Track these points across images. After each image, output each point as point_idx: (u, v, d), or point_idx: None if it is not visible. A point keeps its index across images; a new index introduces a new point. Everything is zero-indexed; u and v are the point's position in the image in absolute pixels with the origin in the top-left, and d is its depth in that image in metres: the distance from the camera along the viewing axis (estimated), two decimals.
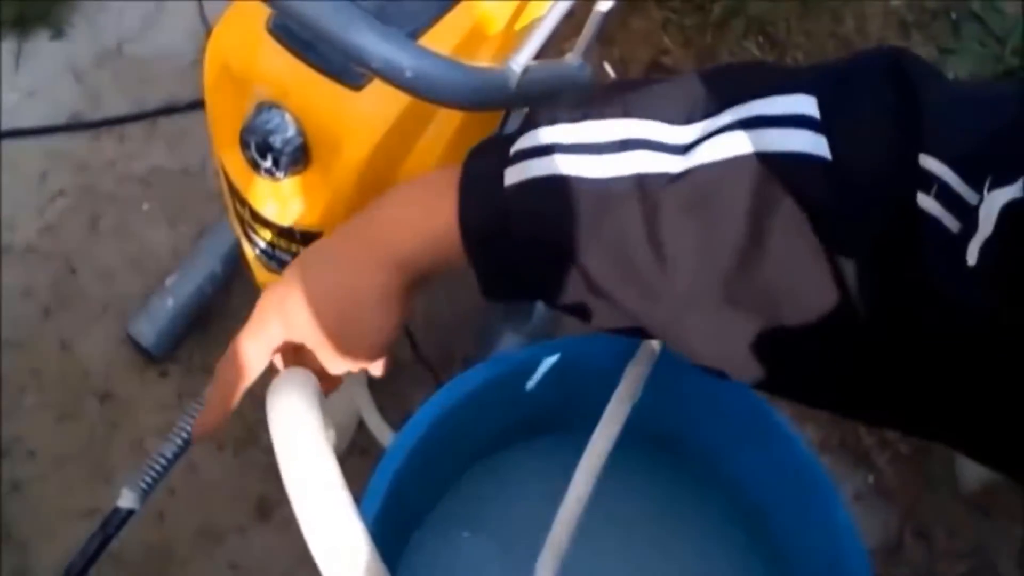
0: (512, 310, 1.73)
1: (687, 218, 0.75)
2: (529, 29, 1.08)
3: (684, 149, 0.77)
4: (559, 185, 0.80)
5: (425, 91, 0.93)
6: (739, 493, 1.28)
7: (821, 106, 0.72)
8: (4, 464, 1.98)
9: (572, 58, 1.16)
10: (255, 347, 1.01)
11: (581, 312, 0.87)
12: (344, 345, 0.99)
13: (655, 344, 1.09)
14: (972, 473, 2.00)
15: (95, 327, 2.10)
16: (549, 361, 1.19)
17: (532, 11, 1.24)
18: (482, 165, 0.88)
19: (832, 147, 0.70)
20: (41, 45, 2.36)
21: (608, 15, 1.17)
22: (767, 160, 0.72)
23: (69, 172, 2.24)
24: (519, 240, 0.84)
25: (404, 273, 0.94)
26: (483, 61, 1.17)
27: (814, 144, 0.71)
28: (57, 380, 2.06)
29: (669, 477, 1.31)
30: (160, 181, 2.23)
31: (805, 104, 0.73)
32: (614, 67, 2.35)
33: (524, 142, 0.85)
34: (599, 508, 1.25)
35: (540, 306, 1.82)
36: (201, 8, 2.40)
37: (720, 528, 1.30)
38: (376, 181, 1.17)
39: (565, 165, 0.81)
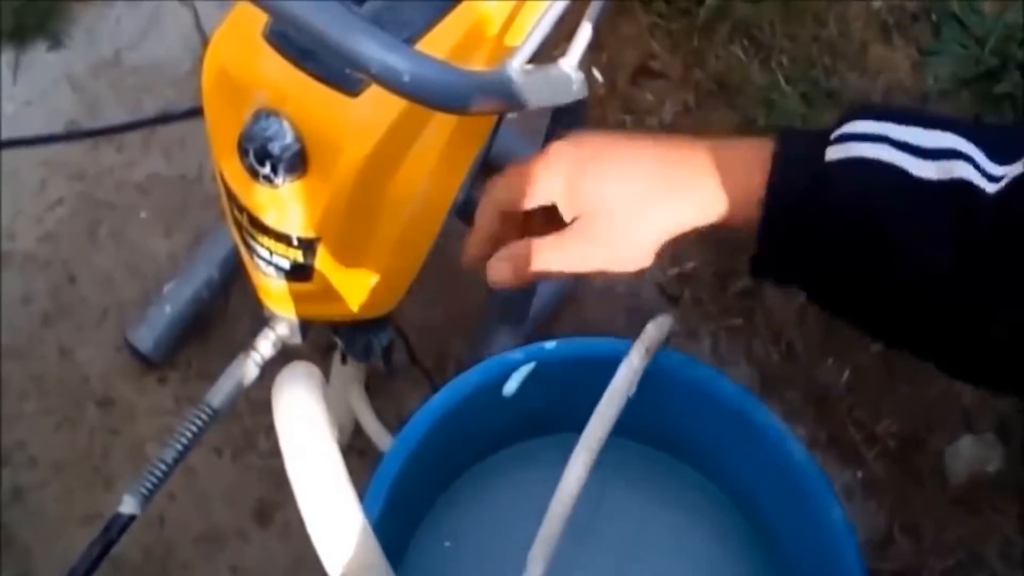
0: (508, 312, 1.72)
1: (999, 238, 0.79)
2: (524, 34, 1.07)
3: (998, 179, 0.80)
4: (884, 169, 0.84)
5: (423, 95, 0.92)
6: (734, 490, 1.28)
7: None
8: (5, 470, 1.97)
9: (566, 63, 1.15)
10: (531, 185, 1.03)
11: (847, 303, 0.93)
12: (608, 239, 0.99)
13: (649, 342, 1.09)
14: (960, 468, 2.00)
15: (94, 334, 2.09)
16: (546, 362, 1.18)
17: (526, 16, 1.23)
18: (800, 142, 0.92)
19: None
20: (38, 55, 2.35)
21: (598, 20, 1.16)
22: None
23: (67, 180, 2.22)
24: (832, 209, 0.87)
25: (688, 223, 0.97)
26: (479, 66, 1.16)
27: None
28: (57, 387, 2.05)
29: (662, 476, 1.31)
30: (158, 189, 2.22)
31: None
32: (602, 71, 2.34)
33: (849, 128, 0.88)
34: (591, 506, 1.24)
35: (536, 307, 1.81)
36: (197, 18, 2.39)
37: (716, 525, 1.29)
38: (373, 186, 1.17)
39: (892, 156, 0.84)
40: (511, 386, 1.18)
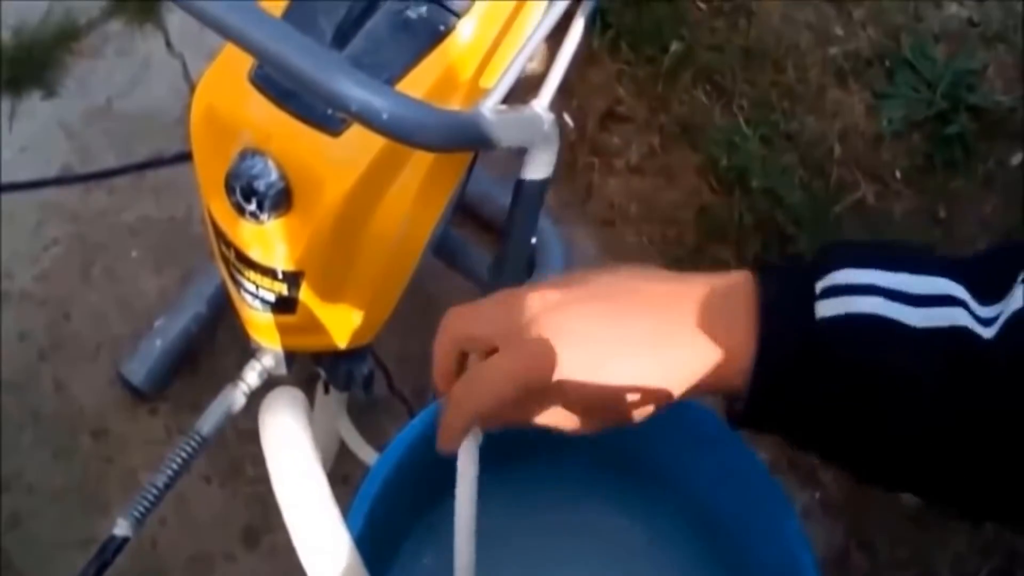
0: None
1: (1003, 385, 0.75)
2: (497, 76, 1.08)
3: (991, 322, 0.76)
4: (880, 325, 0.78)
5: (401, 133, 0.93)
6: (695, 506, 1.28)
7: None
8: (4, 498, 1.97)
9: (536, 104, 1.16)
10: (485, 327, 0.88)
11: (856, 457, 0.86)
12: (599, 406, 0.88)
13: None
14: None
15: (88, 368, 2.09)
16: None
17: (499, 60, 1.24)
18: (781, 295, 0.83)
19: None
20: (33, 104, 2.35)
21: (567, 66, 1.17)
22: None
23: (62, 222, 2.23)
24: (828, 371, 0.79)
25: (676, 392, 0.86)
26: (454, 106, 1.17)
27: None
28: (53, 418, 2.05)
29: (623, 492, 1.31)
30: (148, 229, 2.22)
31: None
32: (572, 116, 2.35)
33: (838, 279, 0.80)
34: (554, 523, 1.24)
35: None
36: (185, 67, 2.40)
37: (677, 541, 1.29)
38: (354, 222, 1.17)
39: (886, 309, 0.78)
40: None
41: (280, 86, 1.11)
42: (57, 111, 2.35)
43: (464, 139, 1.04)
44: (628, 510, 1.31)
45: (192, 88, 2.26)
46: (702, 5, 2.50)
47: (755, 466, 1.14)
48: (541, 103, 1.17)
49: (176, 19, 2.43)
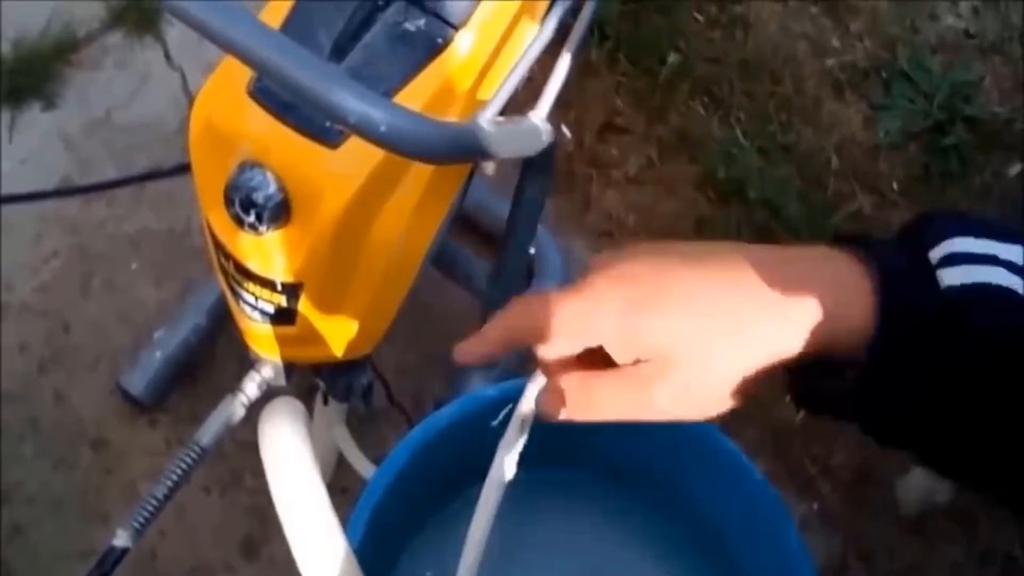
0: None
1: None
2: (494, 88, 1.08)
3: None
4: (1012, 295, 0.73)
5: (399, 145, 0.93)
6: (695, 518, 1.28)
7: None
8: (4, 509, 1.97)
9: (534, 116, 1.16)
10: (570, 325, 0.82)
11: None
12: (677, 385, 0.80)
13: (524, 416, 1.03)
14: (911, 498, 2.01)
15: (88, 379, 2.09)
16: (518, 398, 1.18)
17: (497, 72, 1.24)
18: (898, 264, 0.77)
19: None
20: (33, 116, 2.35)
21: (565, 78, 1.17)
22: None
23: (62, 234, 2.23)
24: (963, 343, 0.73)
25: (769, 358, 0.79)
26: (452, 118, 1.17)
27: None
28: (53, 429, 2.05)
29: (625, 505, 1.31)
30: (147, 241, 2.22)
31: None
32: (570, 128, 2.35)
33: (952, 247, 0.76)
34: (556, 537, 1.25)
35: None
36: (184, 80, 2.40)
37: (677, 552, 1.29)
38: (353, 234, 1.17)
39: (1010, 281, 0.74)
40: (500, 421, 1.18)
41: (279, 99, 1.12)
42: (57, 123, 2.35)
43: (462, 151, 1.04)
44: (628, 522, 1.31)
45: (191, 100, 2.27)
46: (699, 17, 2.50)
47: (754, 478, 1.14)
48: (539, 114, 1.17)
49: (175, 31, 2.43)
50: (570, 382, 0.84)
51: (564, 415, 0.84)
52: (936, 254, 0.75)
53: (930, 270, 0.75)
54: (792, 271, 0.78)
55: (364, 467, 1.73)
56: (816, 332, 0.76)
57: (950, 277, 0.74)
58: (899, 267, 0.76)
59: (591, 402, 0.82)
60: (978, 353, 0.73)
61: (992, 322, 0.73)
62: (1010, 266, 0.74)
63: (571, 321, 0.81)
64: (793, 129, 2.37)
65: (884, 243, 0.79)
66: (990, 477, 0.79)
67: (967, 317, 0.73)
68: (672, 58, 2.42)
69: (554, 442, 1.05)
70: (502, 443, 0.98)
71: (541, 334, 0.84)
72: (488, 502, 0.97)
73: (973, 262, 0.74)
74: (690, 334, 0.78)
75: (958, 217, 0.78)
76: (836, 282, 0.77)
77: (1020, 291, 0.73)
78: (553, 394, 0.85)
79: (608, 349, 0.80)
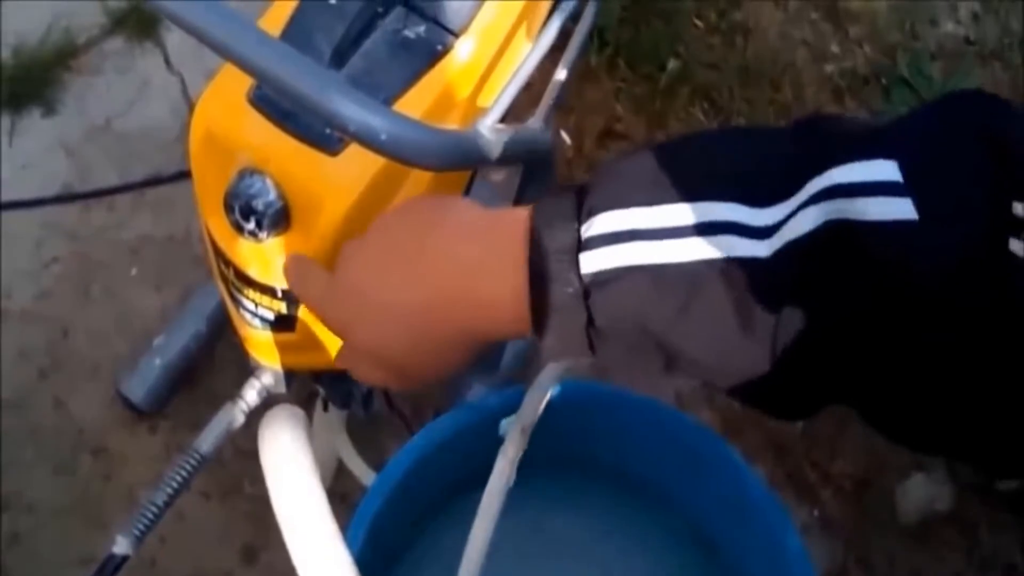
0: (480, 362, 1.72)
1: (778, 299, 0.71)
2: (494, 95, 1.08)
3: (769, 231, 0.71)
4: (644, 274, 0.74)
5: (399, 153, 0.93)
6: (694, 523, 1.28)
7: (905, 168, 0.68)
8: (4, 516, 1.97)
9: (534, 122, 1.16)
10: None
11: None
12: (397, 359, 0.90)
13: (524, 422, 1.05)
14: (911, 505, 2.01)
15: (88, 386, 2.09)
16: (517, 406, 1.18)
17: (496, 79, 1.24)
18: (549, 248, 0.79)
19: (919, 208, 0.66)
20: (33, 122, 2.35)
21: (565, 84, 1.17)
22: (851, 229, 0.68)
23: (62, 241, 2.23)
24: (599, 323, 0.77)
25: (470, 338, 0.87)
26: (452, 125, 1.17)
27: (898, 209, 0.66)
28: (53, 436, 2.05)
29: (622, 509, 1.31)
30: (147, 248, 2.23)
31: (886, 170, 0.68)
32: (570, 134, 2.35)
33: (598, 227, 0.77)
34: (552, 541, 1.24)
35: (507, 357, 1.82)
36: (184, 86, 2.41)
37: (677, 559, 1.29)
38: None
39: (648, 252, 0.75)
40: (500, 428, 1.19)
41: (279, 106, 1.11)
42: (57, 129, 2.35)
43: (463, 158, 1.04)
44: (631, 527, 1.31)
45: (191, 106, 2.27)
46: (699, 23, 2.51)
47: (754, 484, 1.14)
48: (538, 121, 1.17)
49: (175, 37, 2.44)
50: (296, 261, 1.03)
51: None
52: (584, 232, 0.77)
53: (577, 255, 0.77)
54: (451, 242, 0.86)
55: (364, 474, 1.73)
56: (463, 321, 0.85)
57: (588, 264, 0.76)
58: (550, 254, 0.79)
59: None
60: (613, 330, 0.77)
61: (622, 312, 0.76)
62: (652, 233, 0.75)
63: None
64: None
65: (554, 215, 0.81)
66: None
67: (598, 310, 0.77)
68: (672, 64, 2.42)
69: (560, 449, 1.05)
70: (502, 451, 0.98)
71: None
72: (488, 509, 0.97)
73: (610, 242, 0.76)
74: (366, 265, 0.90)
75: (620, 177, 0.80)
76: (490, 259, 0.83)
77: (657, 261, 0.74)
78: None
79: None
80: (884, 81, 2.46)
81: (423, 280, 0.86)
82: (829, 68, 2.48)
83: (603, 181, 0.80)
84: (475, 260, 0.84)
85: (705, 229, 0.74)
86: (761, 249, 0.71)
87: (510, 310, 0.82)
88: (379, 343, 0.90)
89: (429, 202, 0.94)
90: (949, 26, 2.55)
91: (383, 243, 0.91)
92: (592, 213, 0.78)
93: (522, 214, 0.83)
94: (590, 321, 0.77)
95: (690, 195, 0.75)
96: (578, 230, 0.78)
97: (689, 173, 0.78)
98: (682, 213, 0.75)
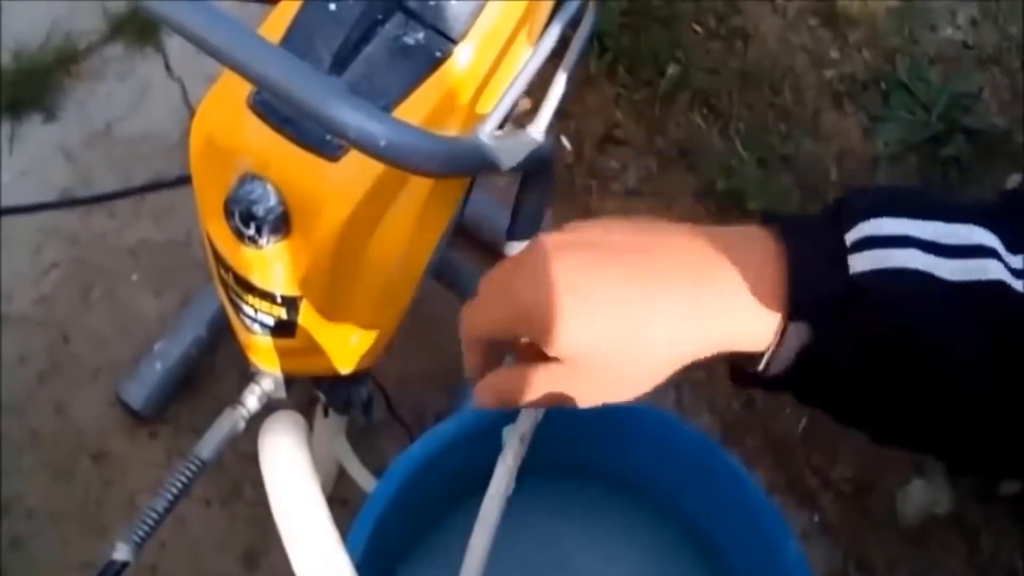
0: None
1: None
2: (494, 101, 1.08)
3: (1021, 273, 0.73)
4: (918, 280, 0.73)
5: (399, 159, 0.93)
6: (694, 529, 1.28)
7: None
8: (4, 521, 1.96)
9: (534, 129, 1.16)
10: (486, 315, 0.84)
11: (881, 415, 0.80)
12: (604, 376, 0.82)
13: (523, 430, 1.02)
14: (910, 510, 2.01)
15: (88, 391, 2.09)
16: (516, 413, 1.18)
17: (496, 85, 1.24)
18: (811, 249, 0.77)
19: None
20: (34, 128, 2.35)
21: (565, 90, 1.17)
22: None
23: (62, 245, 2.23)
24: (871, 327, 0.74)
25: (694, 344, 0.80)
26: (452, 132, 1.17)
27: None
28: (53, 441, 2.05)
29: (622, 517, 1.30)
30: (148, 252, 2.23)
31: None
32: (570, 139, 2.35)
33: (867, 230, 0.76)
34: (552, 547, 1.24)
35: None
36: (184, 91, 2.40)
37: (677, 563, 1.29)
38: (353, 247, 1.17)
39: (923, 261, 0.74)
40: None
41: (279, 112, 1.11)
42: (57, 134, 2.35)
43: (463, 165, 1.04)
44: (628, 534, 1.31)
45: (191, 112, 2.28)
46: (698, 29, 2.51)
47: (753, 490, 1.14)
48: (538, 127, 1.17)
49: (175, 43, 2.44)
50: (502, 376, 0.85)
51: (497, 404, 0.86)
52: (851, 237, 0.76)
53: (843, 255, 0.75)
54: (709, 260, 0.79)
55: (365, 480, 1.72)
56: (726, 326, 0.78)
57: (859, 263, 0.75)
58: (813, 256, 0.77)
59: (525, 392, 0.83)
60: (878, 343, 0.74)
61: (892, 312, 0.74)
62: (926, 245, 0.74)
63: (507, 312, 0.82)
64: (792, 140, 2.37)
65: (807, 224, 0.79)
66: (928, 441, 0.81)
67: (868, 307, 0.74)
68: (671, 69, 2.42)
69: (560, 456, 1.05)
70: (501, 458, 0.98)
71: (490, 339, 0.86)
72: (488, 516, 0.97)
73: (885, 245, 0.75)
74: (609, 331, 0.78)
75: (878, 194, 0.79)
76: (749, 271, 0.77)
77: (931, 271, 0.73)
78: (486, 390, 0.87)
79: (541, 347, 0.80)
80: (883, 86, 2.46)
81: (690, 310, 0.79)
82: (829, 73, 2.47)
83: (862, 196, 0.79)
84: (735, 283, 0.79)
85: (974, 251, 0.74)
86: (1018, 284, 0.72)
87: (765, 320, 0.78)
88: (620, 378, 0.82)
89: (646, 225, 0.84)
90: (948, 31, 2.55)
91: (618, 273, 0.80)
92: (859, 218, 0.76)
93: (759, 231, 0.80)
94: (849, 327, 0.75)
95: (957, 216, 0.76)
96: (840, 236, 0.76)
97: (949, 202, 0.78)
98: (955, 233, 0.75)
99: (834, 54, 2.51)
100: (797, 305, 0.76)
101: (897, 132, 2.38)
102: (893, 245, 0.75)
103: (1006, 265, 0.73)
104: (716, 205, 2.29)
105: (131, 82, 2.42)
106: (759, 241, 0.79)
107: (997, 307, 0.72)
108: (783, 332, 0.77)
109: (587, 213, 2.28)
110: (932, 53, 2.51)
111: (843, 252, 0.75)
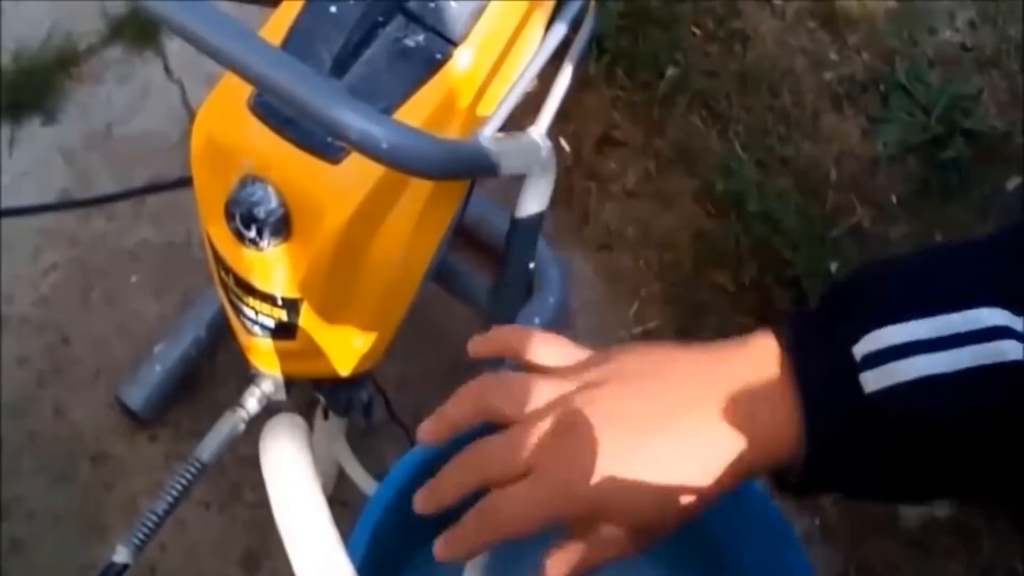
0: (480, 367, 1.72)
1: None
2: (494, 104, 1.08)
3: None
4: (931, 384, 0.74)
5: (400, 162, 0.93)
6: (697, 533, 1.27)
7: None
8: (4, 524, 1.96)
9: (534, 131, 1.16)
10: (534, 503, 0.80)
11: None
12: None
13: None
14: (911, 513, 2.01)
15: (87, 393, 2.09)
16: None
17: (496, 88, 1.24)
18: (821, 372, 0.78)
19: None
20: (33, 129, 2.35)
21: (565, 92, 1.17)
22: None
23: (61, 247, 2.22)
24: (888, 435, 0.75)
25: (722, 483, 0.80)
26: (452, 134, 1.17)
27: None
28: (52, 443, 2.05)
29: None
30: (148, 254, 2.22)
31: None
32: (568, 141, 2.35)
33: (873, 345, 0.76)
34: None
35: (508, 363, 1.81)
36: (183, 93, 2.40)
37: (679, 568, 1.29)
38: (353, 249, 1.17)
39: (931, 364, 0.74)
40: None
41: (280, 114, 1.11)
42: (57, 136, 2.35)
43: (463, 167, 1.04)
44: None
45: (191, 113, 2.28)
46: (697, 31, 2.50)
47: (756, 493, 1.14)
48: (539, 130, 1.17)
49: (175, 45, 2.43)
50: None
51: (468, 539, 0.85)
52: (859, 350, 0.76)
53: (853, 373, 0.75)
54: (725, 383, 0.79)
55: (365, 481, 1.72)
56: (746, 444, 0.78)
57: (870, 382, 0.75)
58: (824, 378, 0.77)
59: (499, 514, 0.83)
60: (897, 446, 0.75)
61: (907, 420, 0.74)
62: (933, 344, 0.74)
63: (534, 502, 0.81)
64: (792, 142, 2.36)
65: (818, 340, 0.79)
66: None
67: (883, 421, 0.74)
68: (670, 72, 2.42)
69: None
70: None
71: (496, 415, 0.85)
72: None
73: (894, 358, 0.75)
74: (617, 493, 0.78)
75: (879, 291, 0.79)
76: (766, 393, 0.78)
77: (943, 371, 0.73)
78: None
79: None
80: (882, 88, 2.45)
81: (705, 446, 0.80)
82: (828, 75, 2.47)
83: (864, 296, 0.80)
84: (748, 413, 0.79)
85: (987, 335, 0.74)
86: None
87: (785, 441, 0.78)
88: (646, 508, 0.81)
89: (652, 356, 0.85)
90: (947, 33, 2.55)
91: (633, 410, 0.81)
92: (865, 329, 0.77)
93: (769, 342, 0.81)
94: (871, 436, 0.76)
95: (963, 300, 0.75)
96: (848, 349, 0.77)
97: (953, 280, 0.78)
98: (961, 320, 0.75)
99: (833, 56, 2.51)
100: (813, 433, 0.76)
101: (896, 134, 2.38)
102: (902, 356, 0.75)
103: (1021, 337, 0.72)
104: (715, 207, 2.29)
105: (131, 84, 2.42)
106: (769, 358, 0.80)
107: (1011, 389, 0.72)
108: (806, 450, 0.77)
109: (586, 215, 2.28)
110: (931, 55, 2.51)
111: (854, 371, 0.75)
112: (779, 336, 0.80)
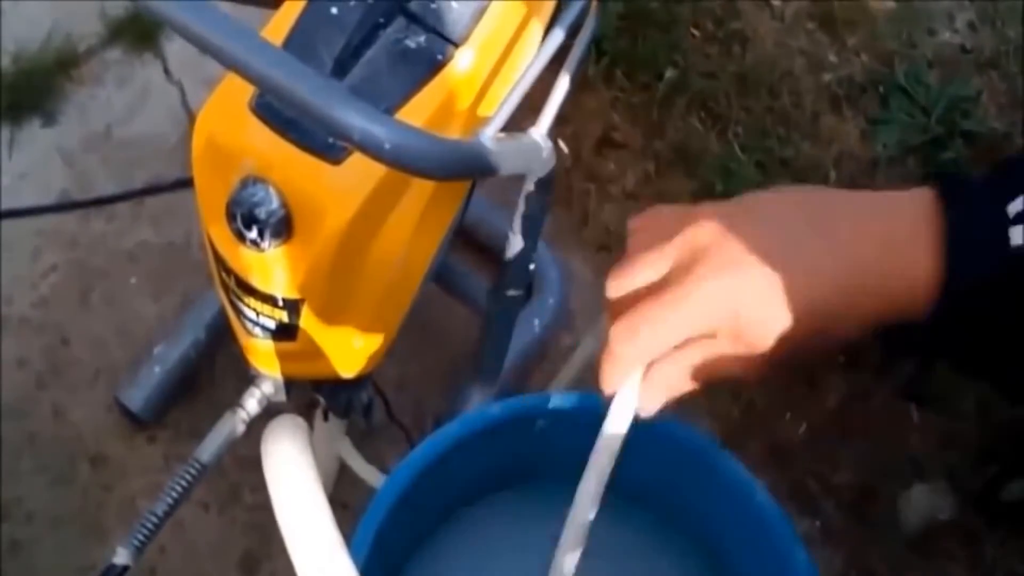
0: (481, 370, 1.72)
1: None
2: (496, 104, 1.08)
3: None
4: None
5: (403, 162, 0.92)
6: (700, 535, 1.27)
7: None
8: (3, 526, 1.96)
9: (535, 132, 1.16)
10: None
11: None
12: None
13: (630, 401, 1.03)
14: (913, 516, 2.00)
15: (87, 394, 2.08)
16: (520, 416, 1.18)
17: (498, 88, 1.24)
18: (970, 220, 0.78)
19: None
20: (33, 131, 2.35)
21: (566, 94, 1.17)
22: None
23: (61, 249, 2.22)
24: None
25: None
26: (454, 135, 1.17)
27: None
28: (52, 445, 2.04)
29: (627, 521, 1.30)
30: (147, 256, 2.22)
31: None
32: (568, 143, 2.35)
33: None
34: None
35: (507, 365, 1.81)
36: (183, 94, 2.40)
37: (683, 570, 1.29)
38: (355, 250, 1.17)
39: None
40: (504, 437, 1.18)
41: (281, 115, 1.11)
42: (56, 138, 2.35)
43: (466, 168, 1.03)
44: (632, 540, 1.30)
45: (190, 115, 2.27)
46: (696, 32, 2.50)
47: (760, 496, 1.14)
48: (540, 131, 1.16)
49: (175, 47, 2.43)
50: (663, 371, 0.90)
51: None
52: (1014, 208, 0.76)
53: (1004, 225, 0.76)
54: (877, 221, 0.81)
55: (373, 476, 1.72)
56: (874, 299, 0.80)
57: (1019, 236, 0.75)
58: (972, 226, 0.78)
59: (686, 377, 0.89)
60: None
61: None
62: None
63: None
64: (791, 143, 2.36)
65: (972, 193, 0.80)
66: None
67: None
68: (669, 73, 2.42)
69: (566, 462, 1.04)
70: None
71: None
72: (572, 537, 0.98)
73: None
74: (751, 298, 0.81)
75: None
76: (913, 238, 0.80)
77: None
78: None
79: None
80: (882, 89, 2.46)
81: (840, 251, 0.81)
82: (827, 77, 2.47)
83: (1011, 167, 0.81)
84: (887, 236, 0.81)
85: None
86: None
87: (921, 287, 0.79)
88: (782, 316, 0.82)
89: (810, 190, 0.89)
90: (946, 35, 2.55)
91: (782, 221, 0.85)
92: (1020, 191, 0.77)
93: (926, 194, 0.81)
94: (1009, 289, 0.76)
95: None
96: (1002, 206, 0.77)
97: None
98: None
99: (832, 57, 2.51)
100: (952, 276, 0.78)
101: (896, 135, 2.38)
102: None
103: None
104: None
105: (130, 86, 2.42)
106: (920, 204, 0.81)
107: None
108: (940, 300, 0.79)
109: (585, 216, 2.28)
110: (930, 56, 2.51)
111: (1005, 224, 0.76)
112: (934, 188, 0.81)
